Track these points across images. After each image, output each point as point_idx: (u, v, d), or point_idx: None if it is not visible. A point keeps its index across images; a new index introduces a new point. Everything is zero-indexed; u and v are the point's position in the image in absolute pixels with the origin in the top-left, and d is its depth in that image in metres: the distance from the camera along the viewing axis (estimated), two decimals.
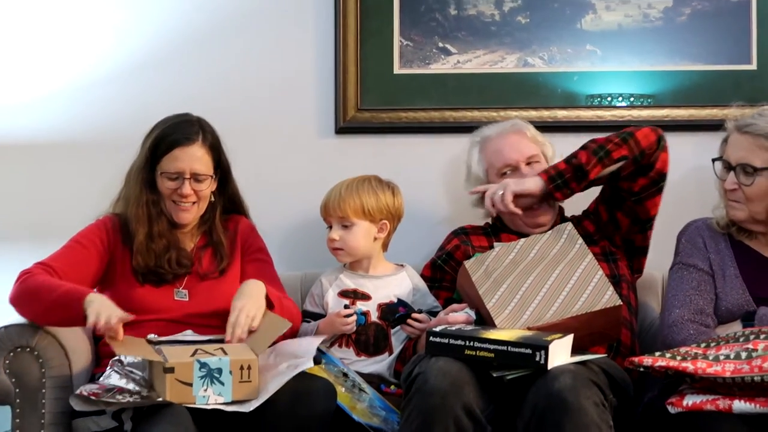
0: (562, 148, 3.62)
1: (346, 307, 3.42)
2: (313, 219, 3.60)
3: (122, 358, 3.07)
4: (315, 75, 3.91)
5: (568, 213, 3.61)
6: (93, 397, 2.88)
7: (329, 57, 3.89)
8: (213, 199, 3.42)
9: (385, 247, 3.56)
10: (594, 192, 3.52)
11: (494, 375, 2.86)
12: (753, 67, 3.85)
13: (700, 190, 3.49)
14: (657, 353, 2.91)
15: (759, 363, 2.74)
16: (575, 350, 2.95)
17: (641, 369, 2.89)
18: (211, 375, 2.89)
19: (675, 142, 3.47)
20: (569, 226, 3.28)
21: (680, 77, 3.86)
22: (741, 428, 2.77)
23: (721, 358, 2.81)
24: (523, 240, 3.30)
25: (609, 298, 3.03)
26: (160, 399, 2.87)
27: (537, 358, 2.82)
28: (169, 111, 3.41)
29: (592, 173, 3.34)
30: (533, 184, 3.36)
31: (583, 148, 3.38)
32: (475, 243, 3.53)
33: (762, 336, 2.85)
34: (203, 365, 2.88)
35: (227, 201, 3.49)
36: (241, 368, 2.90)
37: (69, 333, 3.20)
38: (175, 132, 3.32)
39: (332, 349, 3.40)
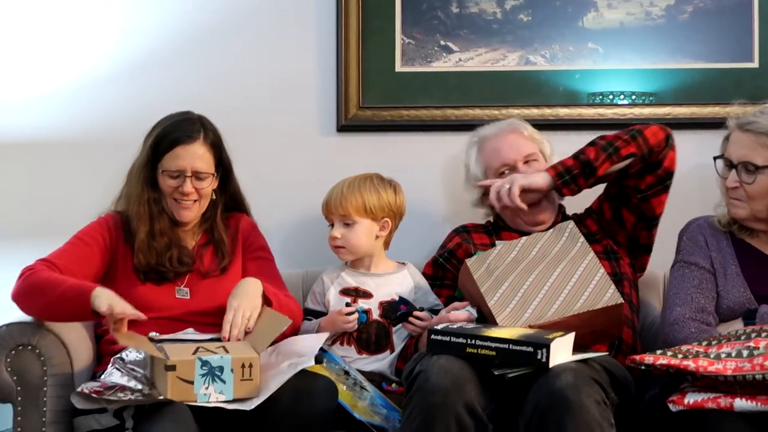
0: (563, 146, 3.62)
1: (347, 305, 3.42)
2: (314, 217, 3.60)
3: (124, 355, 3.08)
4: (316, 73, 3.91)
5: (569, 212, 3.61)
6: (94, 395, 2.88)
7: (331, 55, 3.89)
8: (214, 197, 3.42)
9: (386, 245, 3.56)
10: (596, 190, 3.51)
11: (496, 373, 2.86)
12: (755, 65, 3.84)
13: (702, 188, 3.49)
14: (658, 351, 2.91)
15: (760, 361, 2.74)
16: (577, 348, 2.95)
17: (643, 367, 2.89)
18: (213, 373, 2.88)
19: (677, 140, 3.45)
20: (571, 224, 3.28)
21: (682, 75, 3.86)
22: (742, 426, 2.77)
23: (723, 356, 2.81)
24: (524, 238, 3.29)
25: (610, 296, 3.02)
26: (162, 397, 2.87)
27: (538, 356, 2.81)
28: (171, 110, 3.42)
29: (600, 169, 3.34)
30: (541, 179, 3.36)
31: (592, 144, 3.38)
32: (477, 241, 3.53)
33: (763, 334, 2.85)
34: (205, 363, 2.88)
35: (229, 199, 3.49)
36: (243, 366, 2.90)
37: (71, 331, 3.20)
38: (176, 130, 3.32)
39: (333, 347, 3.40)
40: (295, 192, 3.86)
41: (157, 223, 3.34)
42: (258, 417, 2.91)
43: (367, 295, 3.46)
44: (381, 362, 3.40)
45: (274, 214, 3.76)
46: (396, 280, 3.50)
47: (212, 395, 2.89)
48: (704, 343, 2.93)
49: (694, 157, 3.50)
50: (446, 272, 3.51)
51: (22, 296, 3.13)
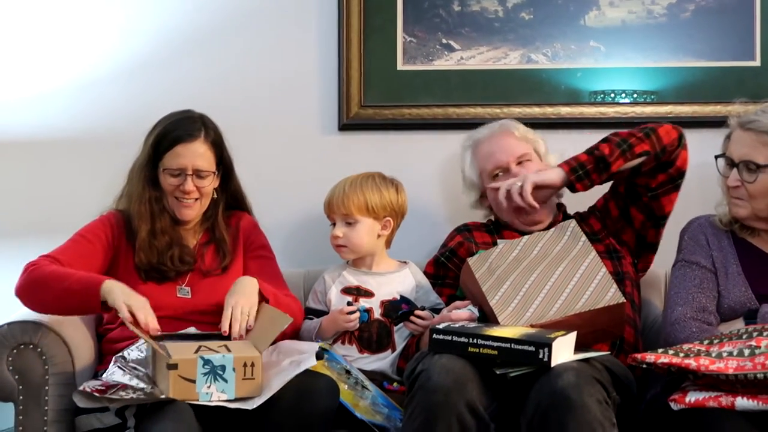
0: (565, 145, 3.63)
1: (349, 304, 3.42)
2: (316, 216, 3.60)
3: (125, 354, 3.08)
4: (318, 72, 3.91)
5: (569, 210, 3.61)
6: (96, 394, 2.88)
7: (332, 54, 3.89)
8: (215, 195, 3.42)
9: (388, 244, 3.56)
10: (596, 190, 3.51)
11: (497, 372, 2.86)
12: (756, 63, 3.84)
13: (703, 187, 3.49)
14: (660, 350, 2.91)
15: (762, 360, 2.74)
16: (578, 348, 2.95)
17: (644, 366, 2.89)
18: (215, 372, 2.88)
19: None
20: (573, 223, 3.27)
21: (684, 74, 3.86)
22: (743, 425, 2.77)
23: (724, 355, 2.81)
24: (526, 237, 3.29)
25: (612, 295, 3.02)
26: (164, 396, 2.87)
27: (540, 356, 2.81)
28: (172, 109, 3.42)
29: (614, 165, 3.33)
30: (555, 175, 3.35)
31: (605, 140, 3.37)
32: (479, 239, 3.53)
33: (765, 333, 2.85)
34: (207, 362, 2.88)
35: (230, 197, 3.49)
36: (245, 365, 2.90)
37: (72, 330, 3.20)
38: (177, 128, 3.32)
39: (335, 346, 3.40)
40: (296, 191, 3.86)
41: (159, 221, 3.34)
42: (259, 416, 2.91)
43: (368, 294, 3.46)
44: (382, 361, 3.40)
45: (276, 213, 3.76)
46: (397, 279, 3.50)
47: (214, 394, 2.89)
48: (706, 341, 2.93)
49: (695, 156, 3.49)
50: (448, 271, 3.51)
51: (26, 290, 3.13)
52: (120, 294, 3.03)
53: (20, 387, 3.09)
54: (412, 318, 3.33)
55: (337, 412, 3.00)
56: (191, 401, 2.88)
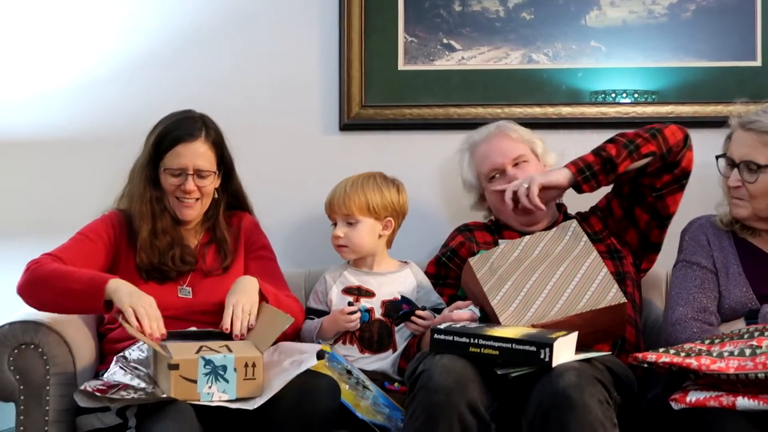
0: (566, 144, 3.65)
1: (350, 304, 3.42)
2: (317, 216, 3.60)
3: (127, 354, 3.08)
4: (319, 72, 3.91)
5: (570, 209, 3.61)
6: (97, 394, 2.88)
7: (333, 54, 3.89)
8: (216, 195, 3.42)
9: (389, 244, 3.56)
10: (600, 189, 3.51)
11: (499, 372, 2.86)
12: (757, 63, 3.84)
13: (704, 187, 3.48)
14: (661, 349, 2.91)
15: (763, 360, 2.74)
16: (580, 348, 2.95)
17: (645, 365, 2.89)
18: (216, 372, 2.88)
19: None
20: (574, 223, 3.27)
21: (685, 74, 3.86)
22: (744, 425, 2.76)
23: (725, 354, 2.81)
24: (527, 237, 3.29)
25: (613, 295, 3.02)
26: (165, 396, 2.87)
27: (541, 356, 2.81)
28: (173, 108, 3.42)
29: (621, 166, 3.33)
30: (561, 176, 3.35)
31: (612, 141, 3.37)
32: (480, 239, 3.53)
33: (766, 333, 2.85)
34: (208, 362, 2.88)
35: (231, 197, 3.49)
36: (246, 366, 2.90)
37: (73, 330, 3.20)
38: (178, 128, 3.32)
39: (336, 346, 3.40)
40: (297, 191, 3.86)
41: (160, 221, 3.34)
42: (261, 416, 2.91)
43: (369, 294, 3.46)
44: (383, 361, 3.40)
45: (277, 213, 3.76)
46: (398, 279, 3.50)
47: (215, 394, 2.89)
48: (707, 341, 2.93)
49: (696, 156, 3.48)
50: (449, 271, 3.51)
51: (28, 288, 3.13)
52: (126, 295, 3.02)
53: (21, 387, 3.09)
54: (413, 318, 3.33)
55: (338, 413, 3.00)
56: (192, 401, 2.88)
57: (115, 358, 3.08)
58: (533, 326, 2.99)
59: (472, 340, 2.89)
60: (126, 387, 2.92)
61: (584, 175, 3.32)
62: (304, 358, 2.98)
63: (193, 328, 3.17)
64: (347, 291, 3.48)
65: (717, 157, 3.27)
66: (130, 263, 3.31)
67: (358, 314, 3.38)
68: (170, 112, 3.40)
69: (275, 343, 3.08)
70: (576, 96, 3.87)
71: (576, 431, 2.75)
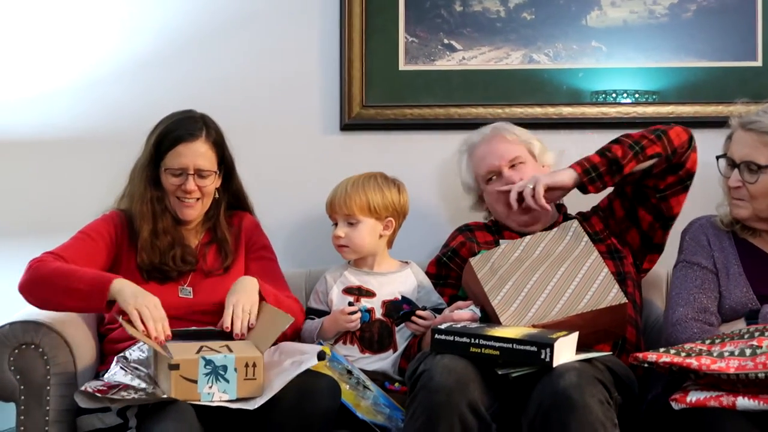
0: (567, 145, 3.65)
1: (350, 304, 3.42)
2: (318, 216, 3.60)
3: (127, 354, 3.08)
4: (320, 72, 3.91)
5: (570, 209, 3.61)
6: (98, 394, 2.88)
7: (334, 54, 3.89)
8: (217, 195, 3.42)
9: (390, 244, 3.56)
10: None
11: (499, 372, 2.86)
12: (758, 63, 3.84)
13: (705, 187, 3.48)
14: (661, 349, 2.91)
15: (763, 360, 2.74)
16: (580, 348, 2.95)
17: (645, 365, 2.89)
18: (216, 372, 2.88)
19: None
20: (575, 223, 3.27)
21: (685, 74, 3.86)
22: (744, 425, 2.76)
23: (726, 354, 2.81)
24: (528, 237, 3.29)
25: (614, 295, 3.02)
26: (165, 396, 2.87)
27: (542, 356, 2.81)
28: (174, 108, 3.42)
29: (627, 168, 3.33)
30: (566, 176, 3.34)
31: (617, 142, 3.36)
32: (480, 239, 3.53)
33: (766, 333, 2.85)
34: (208, 362, 2.88)
35: (231, 197, 3.50)
36: (246, 366, 2.90)
37: (74, 330, 3.20)
38: (178, 128, 3.33)
39: (336, 346, 3.40)
40: (298, 191, 3.86)
41: (161, 221, 3.34)
42: (261, 416, 2.91)
43: (370, 294, 3.46)
44: (384, 361, 3.40)
45: (277, 213, 3.76)
46: (399, 279, 3.50)
47: (215, 394, 2.89)
48: (707, 341, 2.93)
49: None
50: (450, 271, 3.51)
51: (30, 286, 3.12)
52: (130, 296, 3.02)
53: (22, 387, 3.09)
54: (414, 318, 3.33)
55: (338, 413, 3.00)
56: (193, 401, 2.87)
57: (115, 358, 3.08)
58: (534, 326, 2.99)
59: (472, 340, 2.89)
60: (126, 387, 2.92)
61: (590, 176, 3.32)
62: (304, 358, 2.98)
63: (194, 329, 3.17)
64: (348, 291, 3.48)
65: (717, 158, 3.27)
66: (131, 263, 3.31)
67: (359, 314, 3.38)
68: (171, 112, 3.40)
69: (275, 343, 3.08)
70: (577, 96, 3.87)
71: (577, 431, 2.75)
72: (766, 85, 3.79)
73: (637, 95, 3.85)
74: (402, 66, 3.90)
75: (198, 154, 3.31)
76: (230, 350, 2.94)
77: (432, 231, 3.79)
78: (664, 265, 3.54)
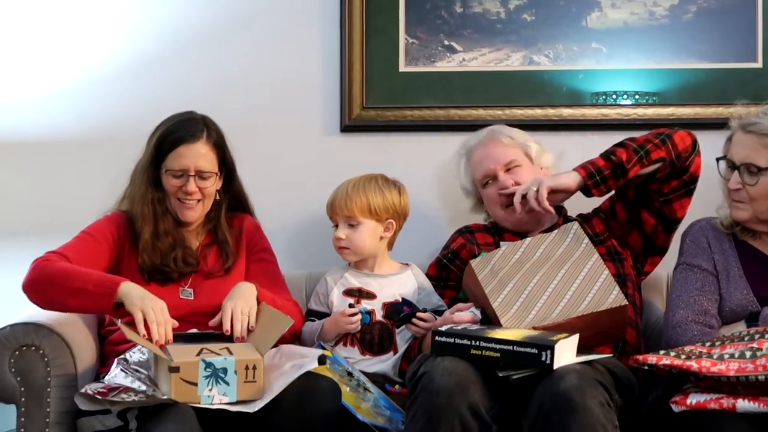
0: (567, 146, 3.67)
1: (351, 306, 3.42)
2: (318, 218, 3.60)
3: (127, 356, 3.08)
4: (320, 73, 3.91)
5: (570, 211, 3.61)
6: (98, 396, 2.88)
7: (334, 55, 3.89)
8: (218, 197, 3.43)
9: (390, 246, 3.56)
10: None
11: (500, 374, 2.86)
12: (758, 65, 3.84)
13: (705, 189, 3.48)
14: (661, 352, 2.91)
15: (763, 362, 2.74)
16: (581, 350, 2.95)
17: (645, 367, 2.89)
18: (216, 375, 2.88)
19: None
20: (575, 225, 3.27)
21: (686, 75, 3.86)
22: (744, 427, 2.76)
23: (726, 357, 2.81)
24: (529, 239, 3.29)
25: (615, 297, 3.02)
26: (165, 397, 2.87)
27: (543, 358, 2.81)
28: (176, 109, 3.42)
29: (632, 172, 3.32)
30: (570, 179, 3.34)
31: (621, 145, 3.36)
32: (480, 241, 3.53)
33: (766, 335, 2.85)
34: (208, 365, 2.88)
35: (232, 199, 3.50)
36: (246, 368, 2.90)
37: (74, 332, 3.20)
38: (179, 129, 3.33)
39: (337, 348, 3.40)
40: (298, 192, 3.86)
41: (162, 223, 3.34)
42: (261, 418, 2.90)
43: (370, 296, 3.46)
44: (384, 363, 3.40)
45: (278, 214, 3.76)
46: (399, 281, 3.50)
47: (215, 397, 2.89)
48: (707, 343, 2.93)
49: None
50: (450, 273, 3.51)
51: (35, 286, 3.11)
52: (138, 299, 3.02)
53: (22, 389, 3.09)
54: (414, 320, 3.33)
55: (339, 415, 2.99)
56: (192, 404, 2.87)
57: (116, 360, 3.08)
58: (534, 328, 2.99)
59: (473, 342, 2.89)
60: (126, 389, 2.91)
61: (594, 179, 3.32)
62: (305, 362, 2.98)
63: (194, 330, 3.17)
64: (348, 293, 3.48)
65: (717, 160, 3.27)
66: (133, 264, 3.31)
67: (359, 316, 3.38)
68: (171, 114, 3.40)
69: (276, 345, 3.08)
70: (577, 97, 3.87)
71: None
72: (766, 86, 3.79)
73: (637, 97, 3.85)
74: (402, 67, 3.90)
75: (199, 155, 3.31)
76: (230, 353, 2.94)
77: (432, 233, 3.79)
78: (665, 267, 3.55)
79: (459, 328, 3.00)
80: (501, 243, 3.44)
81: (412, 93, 3.90)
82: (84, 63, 3.91)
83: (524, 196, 3.35)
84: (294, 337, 3.34)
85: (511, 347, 2.84)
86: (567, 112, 3.87)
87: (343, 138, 3.91)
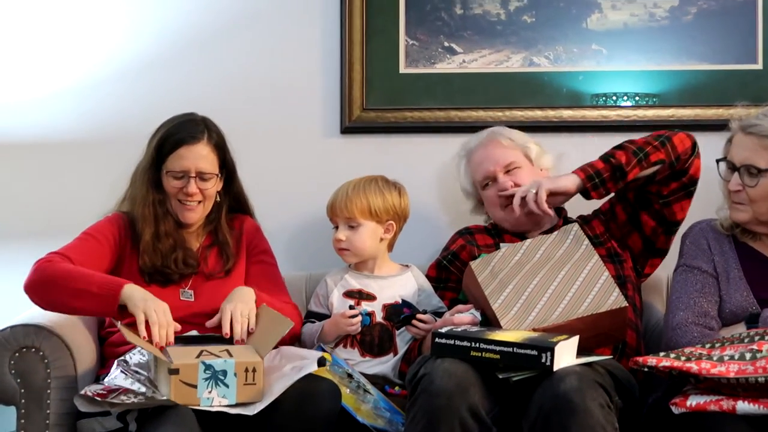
0: (567, 148, 3.66)
1: (351, 307, 3.42)
2: (318, 219, 3.60)
3: (127, 358, 3.08)
4: (320, 74, 3.91)
5: (571, 212, 3.61)
6: (98, 398, 2.88)
7: (335, 56, 3.89)
8: (219, 198, 3.43)
9: (390, 247, 3.56)
10: None
11: (500, 376, 2.86)
12: (759, 66, 3.84)
13: (705, 190, 3.48)
14: (661, 353, 2.91)
15: (763, 364, 2.74)
16: (581, 351, 2.95)
17: (645, 369, 2.89)
18: (216, 377, 2.88)
19: None
20: (575, 227, 3.27)
21: (686, 77, 3.86)
22: (744, 429, 2.76)
23: (726, 358, 2.81)
24: (529, 241, 3.29)
25: (615, 299, 3.02)
26: (165, 399, 2.87)
27: (543, 360, 2.81)
28: (177, 110, 3.42)
29: (631, 174, 3.33)
30: (569, 182, 3.34)
31: (621, 148, 3.36)
32: (480, 242, 3.53)
33: (766, 337, 2.85)
34: (208, 367, 2.88)
35: (233, 200, 3.50)
36: (246, 371, 2.90)
37: (74, 334, 3.20)
38: (180, 131, 3.33)
39: (337, 350, 3.40)
40: (298, 194, 3.86)
41: (162, 224, 3.34)
42: (262, 419, 2.90)
43: (370, 297, 3.47)
44: (384, 365, 3.40)
45: (278, 216, 3.76)
46: (399, 283, 3.50)
47: (215, 399, 2.89)
48: (707, 345, 2.92)
49: None
50: (450, 275, 3.51)
51: (38, 287, 3.11)
52: (140, 300, 3.03)
53: (22, 390, 3.09)
54: (414, 322, 3.32)
55: (339, 417, 2.99)
56: (192, 406, 2.87)
57: (116, 362, 3.08)
58: (534, 330, 2.99)
59: (473, 343, 2.89)
60: (126, 391, 2.91)
61: (593, 182, 3.32)
62: (305, 364, 2.98)
63: (194, 332, 3.17)
64: (348, 294, 3.48)
65: (717, 161, 3.27)
66: (133, 266, 3.31)
67: (359, 317, 3.38)
68: (172, 115, 3.40)
69: (276, 347, 3.08)
70: (577, 99, 3.87)
71: None
72: (766, 88, 3.78)
73: (637, 98, 3.85)
74: (402, 69, 3.90)
75: (200, 156, 3.32)
76: (230, 355, 2.94)
77: (432, 234, 3.79)
78: (665, 268, 3.54)
79: (459, 329, 3.00)
80: (501, 244, 3.45)
81: (412, 94, 3.90)
82: (85, 64, 3.92)
83: (523, 198, 3.35)
84: (293, 340, 3.34)
85: (511, 349, 2.84)
86: (567, 114, 3.87)
87: (343, 139, 3.91)
